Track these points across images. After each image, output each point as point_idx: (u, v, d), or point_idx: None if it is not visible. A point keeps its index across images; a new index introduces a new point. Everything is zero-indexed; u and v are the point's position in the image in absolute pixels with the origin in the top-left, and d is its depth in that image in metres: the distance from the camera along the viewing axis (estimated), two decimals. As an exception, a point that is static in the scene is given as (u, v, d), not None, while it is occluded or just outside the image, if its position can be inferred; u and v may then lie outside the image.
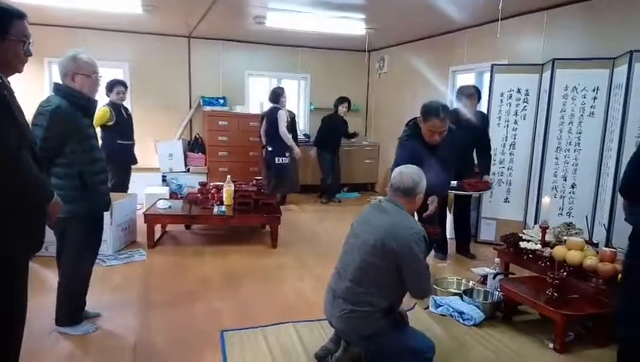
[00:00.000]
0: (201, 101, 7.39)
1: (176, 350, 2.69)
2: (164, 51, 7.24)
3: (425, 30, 6.44)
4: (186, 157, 7.15)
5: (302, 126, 8.28)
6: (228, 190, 4.84)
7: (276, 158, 6.26)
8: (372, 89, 8.45)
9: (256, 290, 3.63)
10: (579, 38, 4.55)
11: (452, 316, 3.18)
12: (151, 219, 4.61)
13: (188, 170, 7.06)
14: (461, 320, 3.11)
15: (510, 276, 3.51)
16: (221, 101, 7.44)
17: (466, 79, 6.23)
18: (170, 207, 4.86)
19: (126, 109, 5.38)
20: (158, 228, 4.88)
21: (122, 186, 5.25)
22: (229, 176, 4.99)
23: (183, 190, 6.66)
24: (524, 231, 3.99)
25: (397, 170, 2.61)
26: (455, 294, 3.46)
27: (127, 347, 2.71)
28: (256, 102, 7.58)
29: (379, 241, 2.34)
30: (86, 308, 2.97)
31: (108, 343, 2.75)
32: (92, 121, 2.81)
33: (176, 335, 2.86)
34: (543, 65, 4.62)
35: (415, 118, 3.62)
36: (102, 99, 5.42)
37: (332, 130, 7.11)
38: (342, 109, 7.09)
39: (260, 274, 4.00)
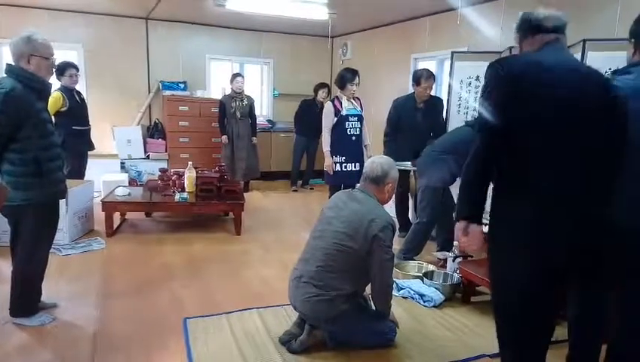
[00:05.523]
0: (161, 85, 7.18)
1: (137, 339, 2.64)
2: (121, 33, 6.97)
3: (387, 16, 6.47)
4: (145, 143, 6.95)
5: (265, 111, 8.20)
6: (189, 176, 4.76)
7: None
8: (336, 75, 8.44)
9: (220, 277, 3.60)
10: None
11: (413, 298, 3.26)
12: (109, 206, 4.49)
13: (148, 157, 6.87)
14: (422, 302, 3.20)
15: (469, 258, 3.62)
16: (181, 85, 7.25)
17: (428, 66, 6.28)
18: (129, 194, 4.74)
19: (79, 93, 5.16)
20: (117, 216, 4.75)
21: (78, 173, 5.07)
22: (190, 163, 4.91)
23: (143, 177, 6.50)
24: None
25: (369, 160, 2.71)
26: (416, 277, 3.55)
27: (86, 337, 2.64)
28: (218, 87, 7.44)
29: (349, 228, 2.42)
30: (42, 298, 2.88)
31: (66, 334, 2.67)
32: (47, 104, 2.69)
33: (138, 324, 2.81)
34: (501, 52, 4.72)
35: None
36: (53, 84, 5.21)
37: (308, 116, 6.86)
38: (322, 94, 6.88)
39: (224, 261, 3.97)
